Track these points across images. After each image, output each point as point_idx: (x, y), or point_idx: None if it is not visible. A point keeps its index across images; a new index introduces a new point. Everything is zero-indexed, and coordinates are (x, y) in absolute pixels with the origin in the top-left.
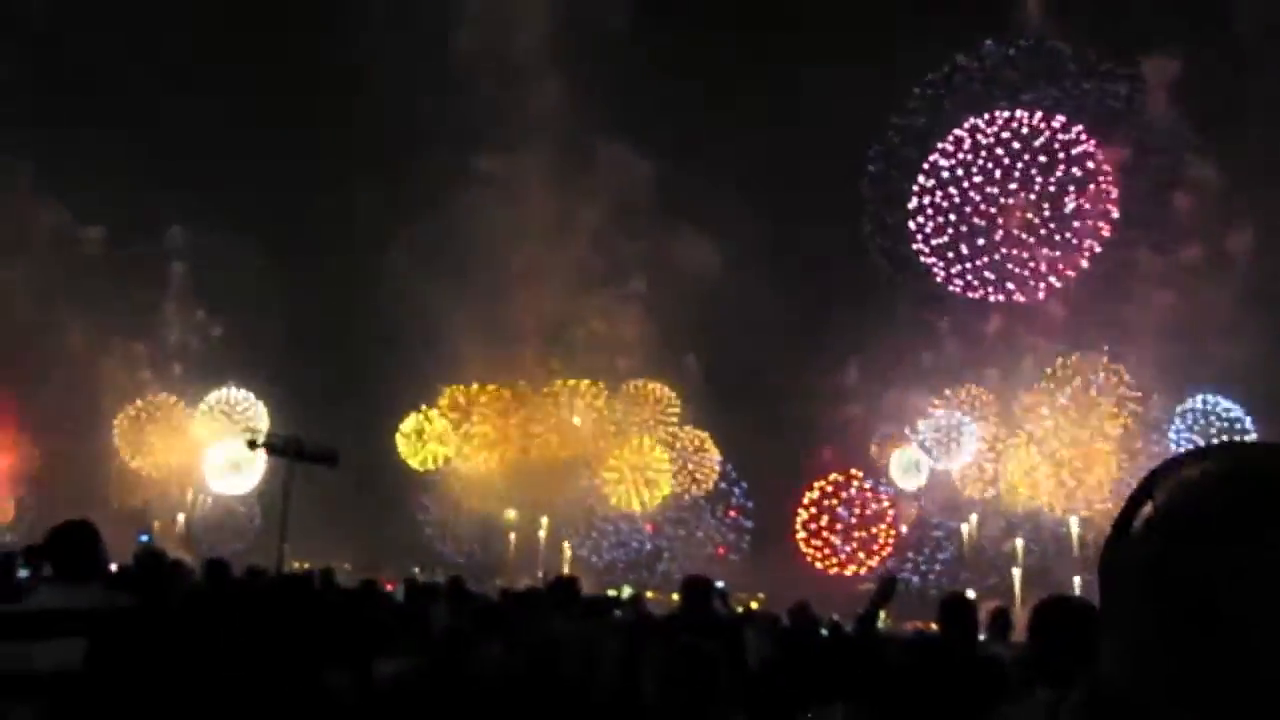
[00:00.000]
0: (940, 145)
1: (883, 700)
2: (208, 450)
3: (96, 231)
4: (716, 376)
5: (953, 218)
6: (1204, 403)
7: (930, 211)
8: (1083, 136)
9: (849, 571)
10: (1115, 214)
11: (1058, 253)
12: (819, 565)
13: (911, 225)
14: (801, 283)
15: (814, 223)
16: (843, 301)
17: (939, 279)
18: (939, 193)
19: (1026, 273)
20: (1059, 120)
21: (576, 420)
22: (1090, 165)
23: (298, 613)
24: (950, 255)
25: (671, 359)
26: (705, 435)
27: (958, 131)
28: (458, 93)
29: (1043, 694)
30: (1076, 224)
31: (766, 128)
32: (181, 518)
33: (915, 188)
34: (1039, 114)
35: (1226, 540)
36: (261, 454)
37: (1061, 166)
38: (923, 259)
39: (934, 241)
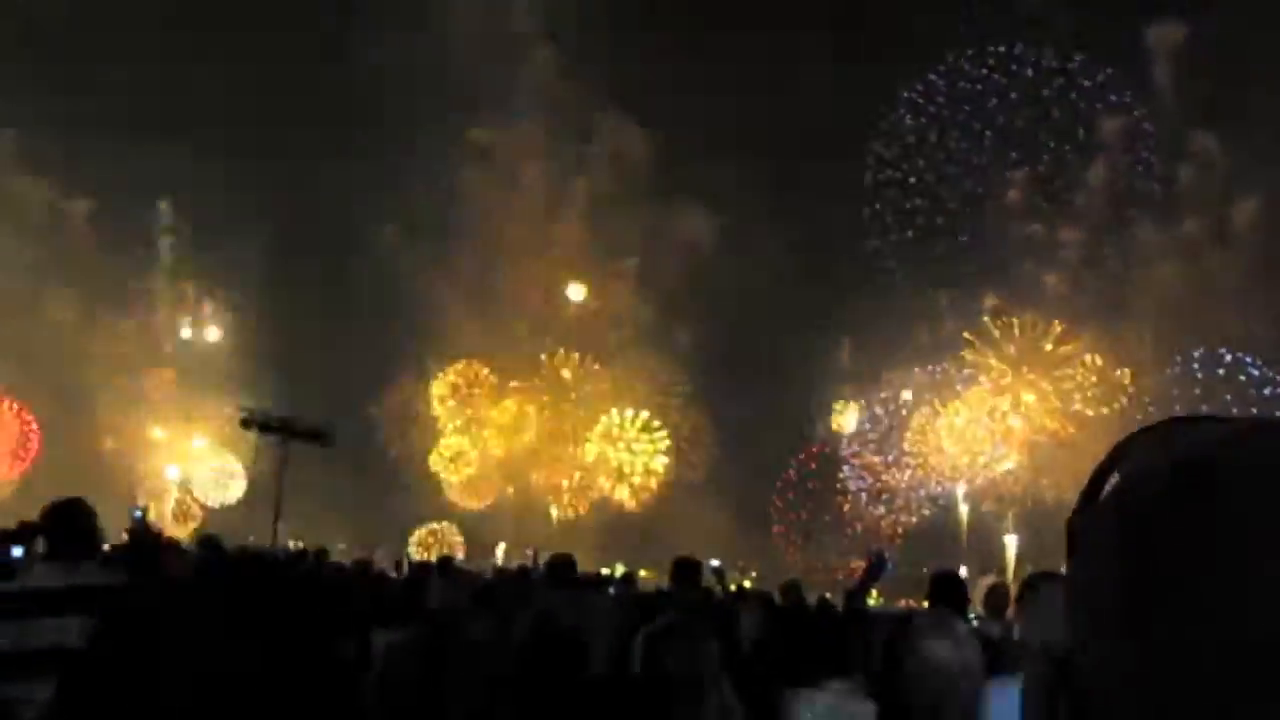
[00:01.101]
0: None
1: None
2: (194, 465)
3: (83, 203)
4: (710, 352)
5: (945, 191)
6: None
7: (926, 182)
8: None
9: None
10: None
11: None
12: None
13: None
14: (799, 258)
15: (813, 197)
16: (840, 277)
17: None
18: (930, 164)
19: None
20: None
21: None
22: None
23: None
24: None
25: (664, 334)
26: (700, 419)
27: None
28: (453, 64)
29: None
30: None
31: (766, 97)
32: (173, 496)
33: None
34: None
35: (1173, 514)
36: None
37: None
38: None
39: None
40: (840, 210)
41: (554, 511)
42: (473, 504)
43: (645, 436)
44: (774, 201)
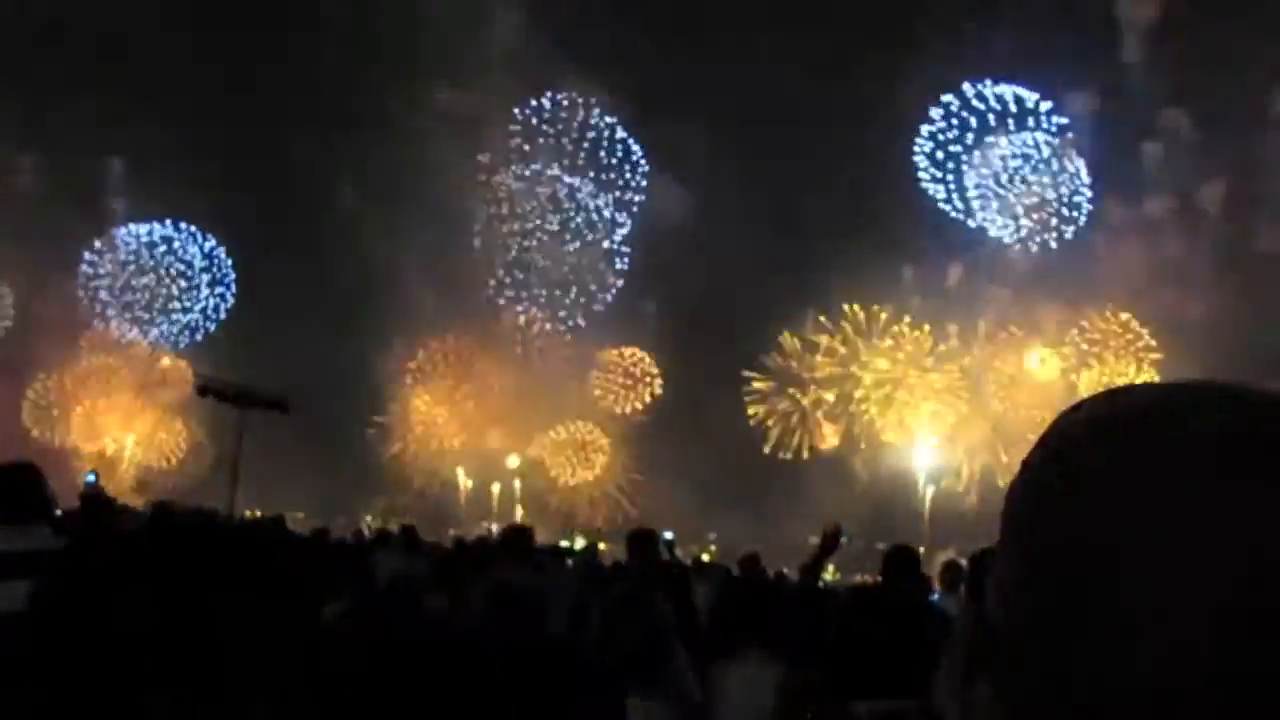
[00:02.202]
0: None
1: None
2: (149, 432)
3: (29, 160)
4: (678, 323)
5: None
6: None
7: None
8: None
9: None
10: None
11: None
12: None
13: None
14: (770, 229)
15: (786, 167)
16: (810, 249)
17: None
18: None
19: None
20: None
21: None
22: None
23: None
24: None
25: (633, 305)
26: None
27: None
28: (415, 26)
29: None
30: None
31: (739, 65)
32: (128, 463)
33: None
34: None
35: (1058, 479)
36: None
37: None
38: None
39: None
40: (813, 179)
41: (516, 482)
42: (432, 474)
43: (610, 408)
44: (746, 170)
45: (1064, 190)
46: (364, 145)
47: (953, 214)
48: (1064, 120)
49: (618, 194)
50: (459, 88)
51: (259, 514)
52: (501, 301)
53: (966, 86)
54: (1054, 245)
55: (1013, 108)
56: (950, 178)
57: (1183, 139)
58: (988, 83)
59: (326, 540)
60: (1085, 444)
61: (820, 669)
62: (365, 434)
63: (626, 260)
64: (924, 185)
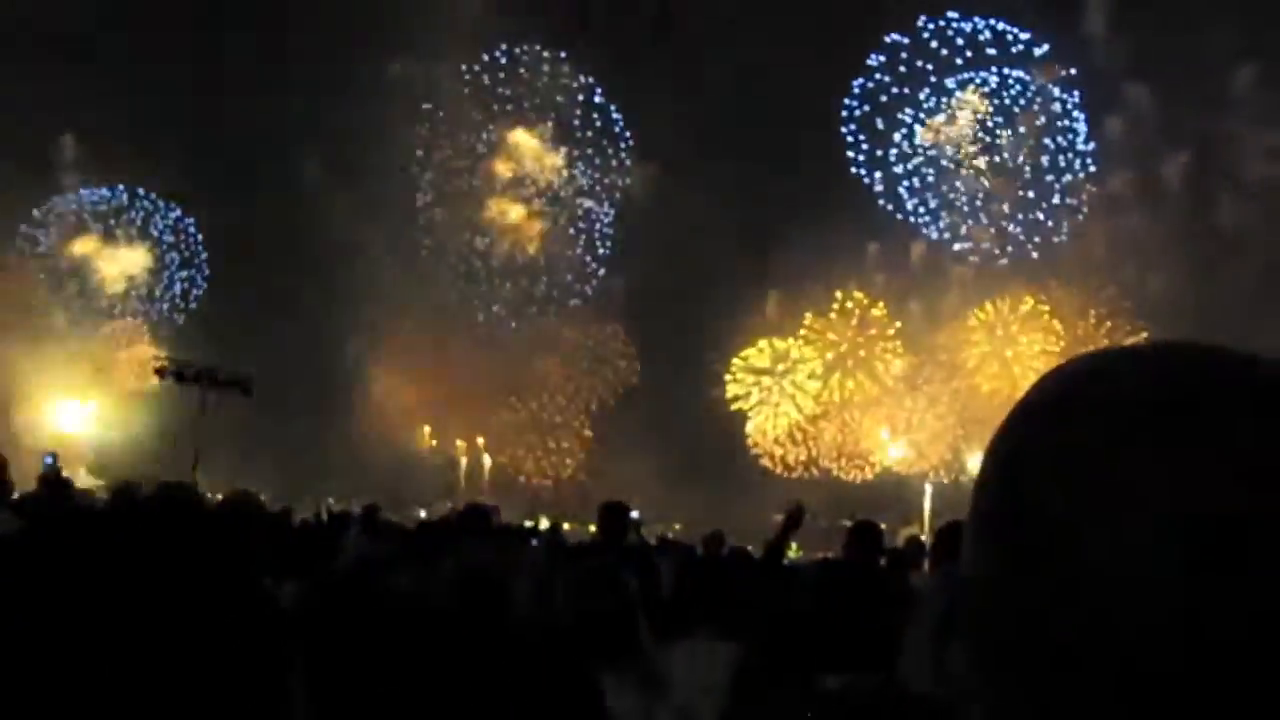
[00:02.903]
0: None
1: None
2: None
3: None
4: (641, 300)
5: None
6: None
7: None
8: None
9: None
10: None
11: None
12: None
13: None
14: (733, 206)
15: (749, 144)
16: (773, 227)
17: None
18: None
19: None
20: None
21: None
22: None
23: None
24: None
25: (603, 286)
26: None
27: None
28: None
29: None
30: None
31: (705, 45)
32: (87, 445)
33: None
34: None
35: (1025, 445)
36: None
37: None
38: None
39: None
40: (776, 156)
41: (483, 462)
42: (397, 454)
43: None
44: (709, 149)
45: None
46: (329, 120)
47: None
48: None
49: (597, 174)
50: (422, 59)
51: (220, 497)
52: (467, 283)
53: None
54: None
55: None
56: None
57: (1144, 113)
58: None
59: (289, 521)
60: (1040, 417)
61: (783, 646)
62: (329, 414)
63: (607, 243)
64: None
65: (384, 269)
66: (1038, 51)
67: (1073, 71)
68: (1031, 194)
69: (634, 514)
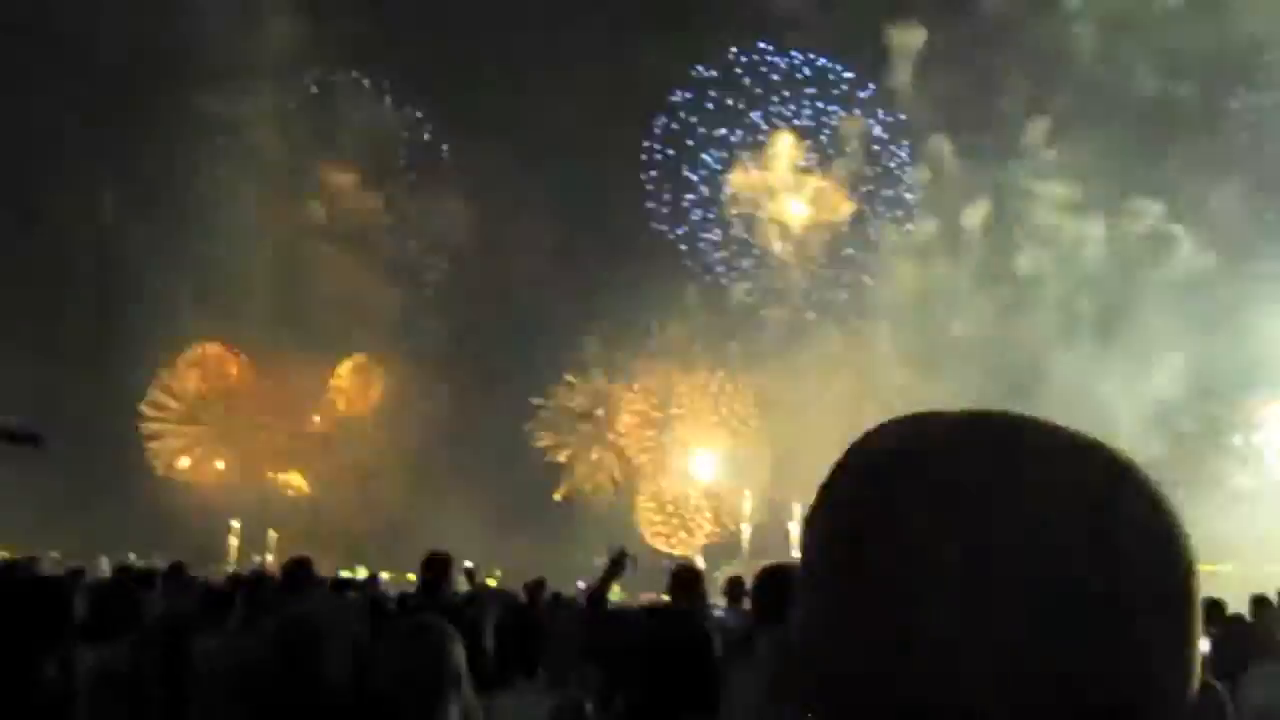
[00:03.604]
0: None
1: (613, 671)
2: None
3: None
4: (461, 343)
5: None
6: None
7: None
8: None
9: None
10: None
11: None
12: None
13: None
14: (554, 244)
15: (575, 184)
16: (595, 265)
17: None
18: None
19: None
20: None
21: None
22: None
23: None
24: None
25: (415, 327)
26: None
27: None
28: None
29: (763, 649)
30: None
31: (532, 76)
32: None
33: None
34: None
35: (860, 500)
36: None
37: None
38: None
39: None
40: (597, 197)
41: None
42: (202, 510)
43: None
44: (533, 188)
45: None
46: (128, 151)
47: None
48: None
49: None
50: (230, 92)
51: (4, 555)
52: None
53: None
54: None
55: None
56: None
57: (946, 164)
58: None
59: (83, 580)
60: (894, 476)
61: (604, 692)
62: (127, 465)
63: (429, 284)
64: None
65: (188, 311)
66: (862, 94)
67: (883, 117)
68: (844, 236)
69: (467, 563)
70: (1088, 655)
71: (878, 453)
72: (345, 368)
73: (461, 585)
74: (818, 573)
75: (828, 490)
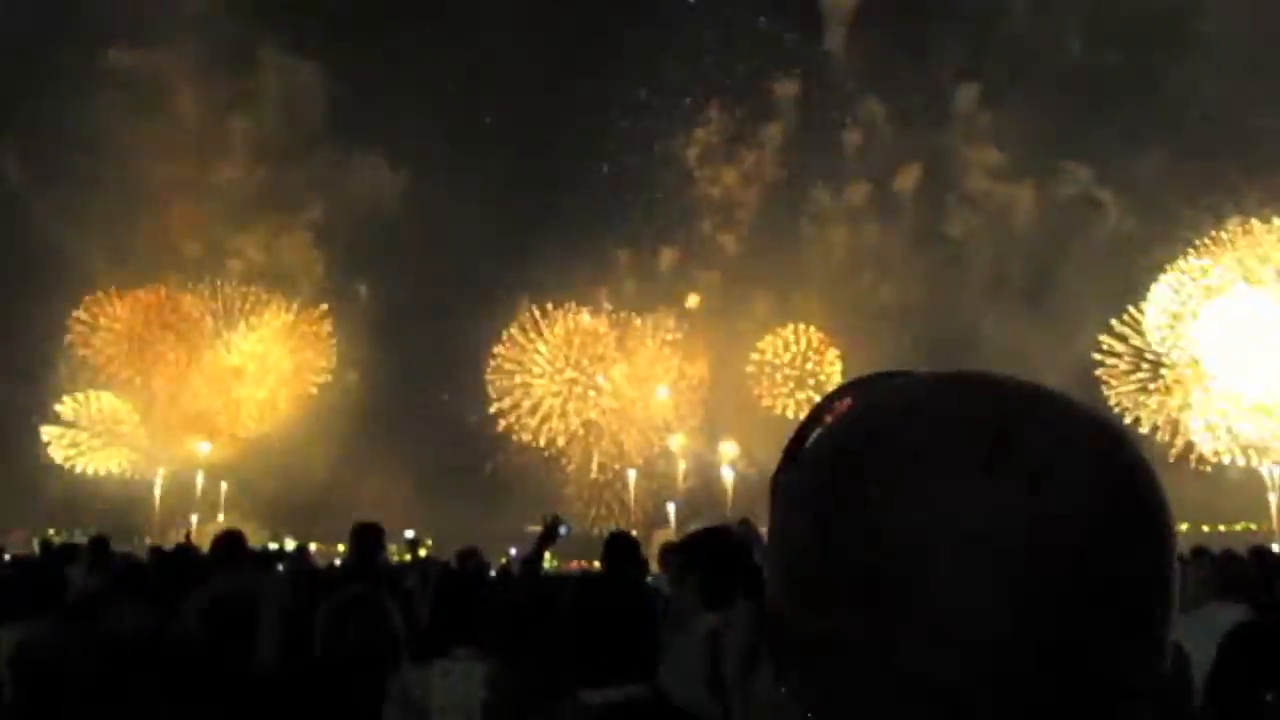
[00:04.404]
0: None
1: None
2: None
3: None
4: (390, 312)
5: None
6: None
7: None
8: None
9: None
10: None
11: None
12: None
13: None
14: (485, 211)
15: (502, 147)
16: (526, 233)
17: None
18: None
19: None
20: None
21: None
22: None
23: None
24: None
25: (341, 290)
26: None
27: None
28: None
29: (707, 618)
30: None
31: (456, 46)
32: None
33: None
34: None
35: (883, 473)
36: None
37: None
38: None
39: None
40: (527, 164)
41: (224, 486)
42: (121, 482)
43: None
44: (458, 154)
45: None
46: (34, 113)
47: None
48: None
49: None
50: (141, 48)
51: None
52: (189, 284)
53: None
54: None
55: None
56: None
57: (879, 128)
58: None
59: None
60: (863, 453)
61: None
62: (38, 434)
63: (353, 250)
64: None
65: (95, 277)
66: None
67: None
68: (777, 200)
69: (410, 533)
70: (1081, 626)
71: (862, 416)
72: (267, 333)
73: (404, 555)
74: (800, 537)
75: (816, 448)
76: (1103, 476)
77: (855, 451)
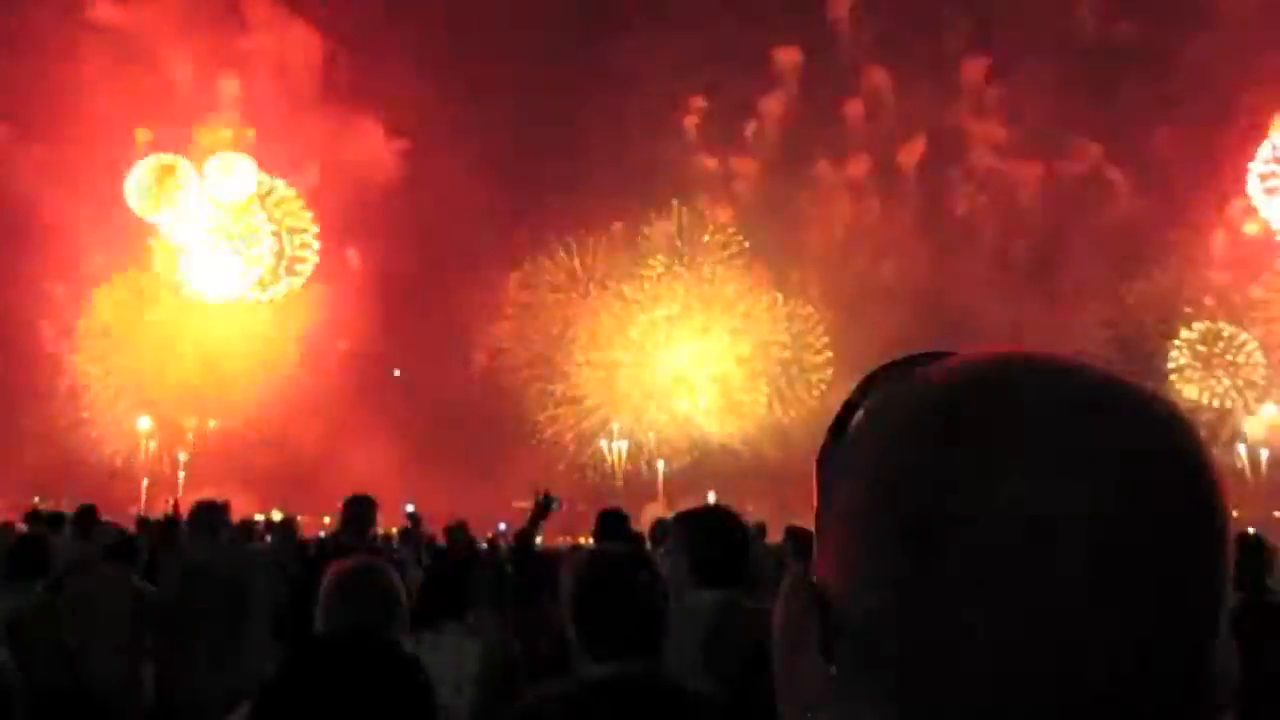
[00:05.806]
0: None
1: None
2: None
3: None
4: (383, 278)
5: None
6: None
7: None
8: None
9: None
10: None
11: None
12: None
13: None
14: (480, 179)
15: (498, 114)
16: (521, 202)
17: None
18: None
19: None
20: None
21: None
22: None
23: None
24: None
25: (337, 260)
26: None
27: None
28: None
29: (707, 595)
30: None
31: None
32: None
33: None
34: None
35: (940, 447)
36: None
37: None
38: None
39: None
40: (524, 133)
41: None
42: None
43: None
44: (453, 120)
45: None
46: (14, 69)
47: None
48: None
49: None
50: (125, 3)
51: None
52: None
53: None
54: None
55: None
56: None
57: (883, 100)
58: None
59: None
60: (944, 434)
61: (537, 636)
62: (22, 406)
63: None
64: None
65: (81, 241)
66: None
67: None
68: (776, 173)
69: (409, 507)
70: (1160, 624)
71: (924, 404)
72: (259, 304)
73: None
74: (868, 523)
75: (869, 424)
76: (1172, 475)
77: (933, 432)
